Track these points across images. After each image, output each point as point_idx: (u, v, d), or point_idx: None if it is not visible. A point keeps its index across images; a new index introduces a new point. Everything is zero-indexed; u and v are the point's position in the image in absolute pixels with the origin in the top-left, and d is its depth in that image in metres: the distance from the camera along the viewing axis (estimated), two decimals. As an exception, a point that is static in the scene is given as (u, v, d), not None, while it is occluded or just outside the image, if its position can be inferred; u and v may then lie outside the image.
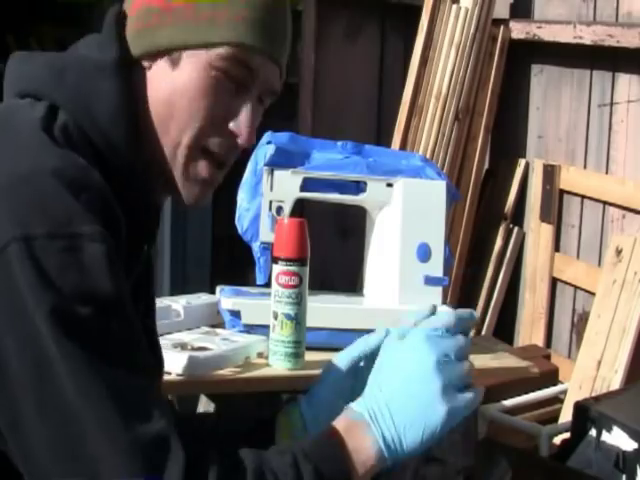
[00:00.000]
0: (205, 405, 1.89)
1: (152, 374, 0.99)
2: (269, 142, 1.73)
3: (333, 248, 3.16)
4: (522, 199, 3.03)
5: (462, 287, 3.01)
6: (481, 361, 1.76)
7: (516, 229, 3.02)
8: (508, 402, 2.37)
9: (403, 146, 2.90)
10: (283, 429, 1.18)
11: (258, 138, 1.76)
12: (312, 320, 1.59)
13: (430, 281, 1.74)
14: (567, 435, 2.11)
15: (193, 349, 1.55)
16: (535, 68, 3.01)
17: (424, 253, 1.75)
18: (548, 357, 2.76)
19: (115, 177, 1.05)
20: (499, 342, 2.78)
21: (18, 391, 0.89)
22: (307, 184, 1.74)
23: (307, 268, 1.55)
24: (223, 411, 1.86)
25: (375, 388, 1.05)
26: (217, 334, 1.66)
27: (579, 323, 2.83)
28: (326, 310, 1.71)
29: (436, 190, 1.77)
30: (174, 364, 1.48)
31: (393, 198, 1.76)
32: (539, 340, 2.89)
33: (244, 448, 0.96)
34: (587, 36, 2.68)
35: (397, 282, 1.74)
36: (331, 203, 1.83)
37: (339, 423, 1.02)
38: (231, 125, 1.11)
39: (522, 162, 3.04)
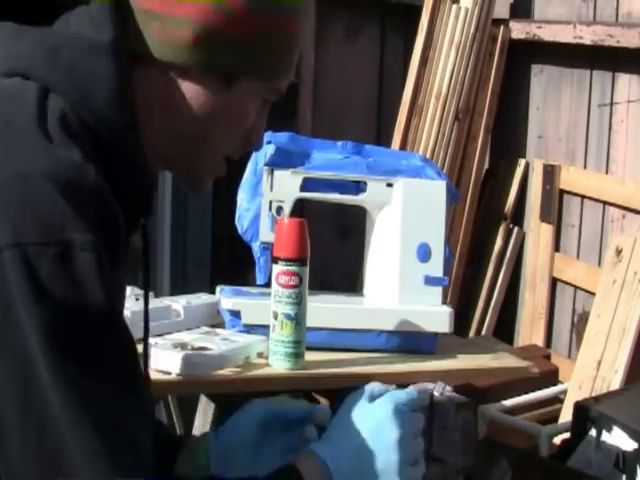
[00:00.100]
0: (205, 405, 1.90)
1: (141, 387, 0.97)
2: (269, 142, 1.73)
3: (333, 248, 3.16)
4: (522, 199, 3.04)
5: (462, 287, 3.01)
6: (481, 361, 1.76)
7: (516, 229, 3.02)
8: (508, 402, 2.37)
9: (403, 146, 2.91)
10: (184, 462, 1.20)
11: (258, 138, 1.77)
12: (312, 320, 1.59)
13: (430, 281, 1.74)
14: (567, 435, 2.11)
15: (193, 349, 1.55)
16: (535, 68, 3.01)
17: (424, 253, 1.75)
18: (548, 357, 2.76)
19: (113, 162, 1.05)
20: (499, 342, 2.78)
21: (1, 399, 0.88)
22: (307, 184, 1.74)
23: (307, 268, 1.55)
24: (223, 411, 1.87)
25: (341, 444, 1.10)
26: (217, 334, 1.66)
27: (579, 323, 2.83)
28: (326, 310, 1.71)
29: (436, 190, 1.77)
30: (174, 364, 1.48)
31: (393, 198, 1.76)
32: (539, 340, 2.89)
33: None
34: (587, 36, 2.68)
35: (397, 282, 1.74)
36: (331, 203, 1.83)
37: (303, 466, 1.06)
38: (248, 133, 1.18)
39: (522, 162, 3.04)
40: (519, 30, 2.96)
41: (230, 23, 1.09)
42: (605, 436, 1.92)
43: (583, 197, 2.82)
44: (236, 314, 1.70)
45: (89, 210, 0.95)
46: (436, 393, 1.59)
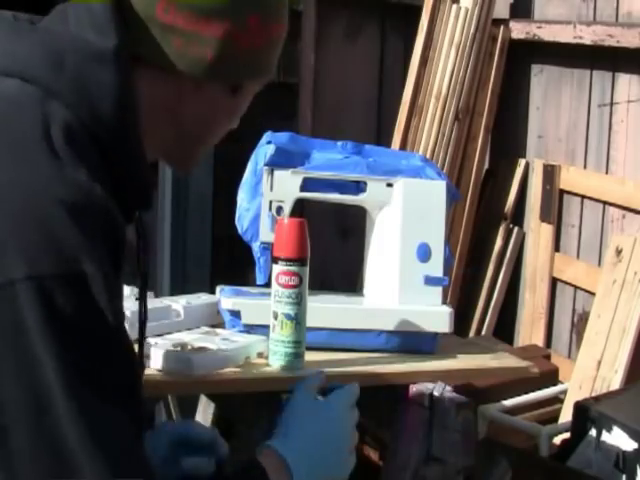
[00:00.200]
0: (205, 405, 1.90)
1: (140, 406, 1.00)
2: (269, 142, 1.73)
3: (333, 248, 3.16)
4: (522, 199, 3.04)
5: (462, 287, 3.01)
6: (481, 361, 1.76)
7: (516, 229, 3.02)
8: (508, 402, 2.37)
9: (403, 146, 2.91)
10: None
11: (258, 138, 1.77)
12: (312, 320, 1.59)
13: (430, 281, 1.74)
14: (567, 435, 2.11)
15: (193, 349, 1.55)
16: (535, 68, 3.01)
17: (424, 253, 1.74)
18: (548, 357, 2.76)
19: (116, 165, 1.07)
20: (499, 342, 2.78)
21: (15, 424, 0.90)
22: (307, 184, 1.74)
23: (307, 268, 1.55)
24: (223, 411, 1.87)
25: (297, 439, 1.19)
26: (217, 334, 1.66)
27: (579, 323, 2.83)
28: (326, 310, 1.70)
29: (436, 190, 1.77)
30: (174, 364, 1.48)
31: (393, 198, 1.76)
32: (539, 340, 2.89)
33: None
34: (587, 36, 2.68)
35: (397, 282, 1.74)
36: (331, 203, 1.83)
37: (266, 461, 1.13)
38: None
39: (522, 162, 3.04)
40: (519, 30, 2.96)
41: (246, 40, 1.15)
42: (605, 436, 1.93)
43: (583, 197, 2.83)
44: (236, 314, 1.70)
45: (99, 237, 0.97)
46: (436, 393, 1.59)
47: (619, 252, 2.55)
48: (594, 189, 2.77)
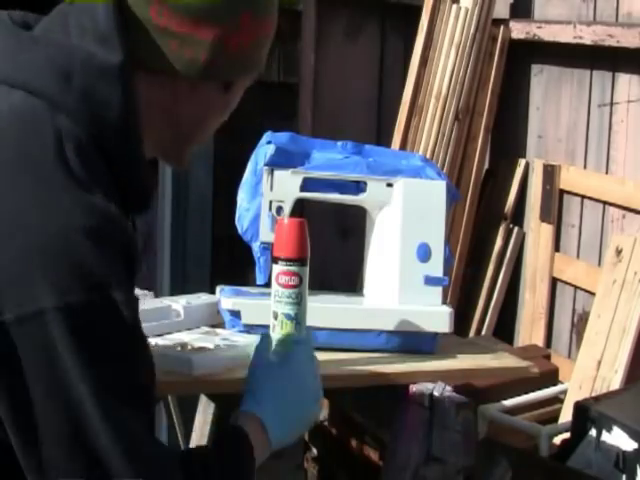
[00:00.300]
0: (205, 405, 1.90)
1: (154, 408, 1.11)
2: (269, 142, 1.72)
3: (333, 248, 3.16)
4: (522, 199, 3.04)
5: (462, 287, 3.01)
6: (481, 361, 1.76)
7: (516, 229, 3.02)
8: (508, 402, 2.37)
9: (403, 146, 2.91)
10: None
11: (258, 138, 1.77)
12: (312, 320, 1.59)
13: (430, 281, 1.74)
14: (567, 435, 2.11)
15: (193, 349, 1.55)
16: (535, 68, 3.01)
17: (424, 253, 1.74)
18: (548, 357, 2.76)
19: (122, 173, 1.11)
20: (499, 342, 2.78)
21: (52, 437, 0.97)
22: (307, 184, 1.74)
23: (307, 268, 1.55)
24: (223, 411, 1.87)
25: (267, 398, 1.26)
26: (217, 334, 1.66)
27: (579, 323, 2.83)
28: (326, 310, 1.70)
29: (436, 190, 1.77)
30: (174, 364, 1.48)
31: (393, 198, 1.76)
32: (539, 340, 2.89)
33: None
34: (587, 36, 2.68)
35: (397, 282, 1.74)
36: (331, 203, 1.83)
37: (245, 423, 1.21)
38: None
39: (522, 162, 3.04)
40: (519, 30, 2.96)
41: (239, 38, 1.17)
42: (605, 436, 1.93)
43: (583, 197, 2.82)
44: (236, 314, 1.70)
45: (119, 258, 1.03)
46: (436, 393, 1.59)
47: (619, 252, 2.55)
48: (594, 189, 2.77)
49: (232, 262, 2.83)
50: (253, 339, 1.62)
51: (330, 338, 1.68)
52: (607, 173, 2.76)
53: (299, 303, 1.54)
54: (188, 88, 1.18)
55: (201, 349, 1.55)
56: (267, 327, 1.57)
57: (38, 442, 0.97)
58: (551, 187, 2.87)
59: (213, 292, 1.85)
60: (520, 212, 3.04)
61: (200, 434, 1.91)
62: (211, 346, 1.56)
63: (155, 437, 1.06)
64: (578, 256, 2.85)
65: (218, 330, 1.69)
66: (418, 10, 2.98)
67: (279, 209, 1.71)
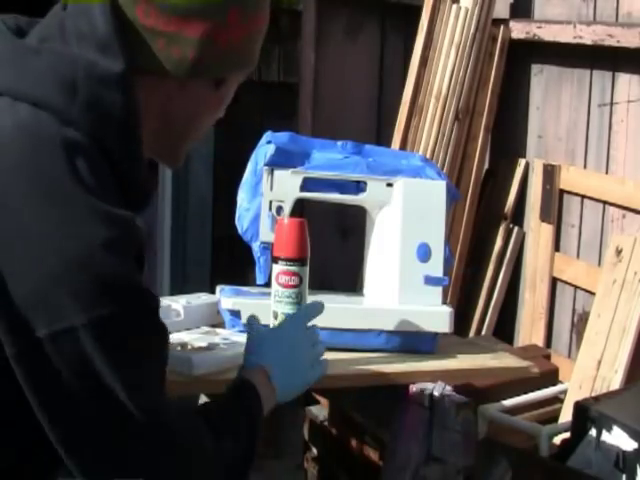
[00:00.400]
0: (205, 405, 1.89)
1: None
2: (269, 142, 1.73)
3: (333, 248, 3.16)
4: (522, 199, 3.03)
5: (462, 287, 3.01)
6: (481, 361, 1.76)
7: (516, 229, 3.02)
8: (508, 402, 2.37)
9: (403, 146, 2.91)
10: None
11: (258, 138, 1.77)
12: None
13: (430, 281, 1.74)
14: (567, 435, 2.11)
15: (193, 349, 1.55)
16: (535, 68, 3.01)
17: (424, 253, 1.74)
18: (548, 357, 2.75)
19: (126, 175, 1.13)
20: (499, 342, 2.78)
21: (96, 429, 1.05)
22: (307, 184, 1.74)
23: (307, 268, 1.55)
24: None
25: (269, 355, 1.36)
26: (217, 334, 1.66)
27: (579, 323, 2.83)
28: (326, 310, 1.70)
29: (436, 190, 1.77)
30: (174, 364, 1.48)
31: (393, 198, 1.76)
32: (539, 340, 2.89)
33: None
34: (587, 36, 2.68)
35: (397, 282, 1.74)
36: (331, 203, 1.83)
37: (252, 376, 1.31)
38: None
39: (522, 162, 3.03)
40: (519, 30, 2.96)
41: (227, 36, 1.17)
42: (605, 436, 1.93)
43: (583, 197, 2.82)
44: (236, 314, 1.70)
45: (134, 260, 1.08)
46: (436, 393, 1.59)
47: (619, 252, 2.55)
48: (594, 189, 2.77)
49: (232, 262, 2.83)
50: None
51: (330, 338, 1.68)
52: (607, 173, 2.76)
53: (299, 303, 1.54)
54: (178, 86, 1.19)
55: (201, 349, 1.55)
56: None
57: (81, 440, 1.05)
58: (551, 187, 2.87)
59: (213, 292, 1.85)
60: (520, 212, 3.04)
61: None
62: (211, 346, 1.56)
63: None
64: (578, 256, 2.85)
65: (218, 330, 1.69)
66: (418, 10, 2.97)
67: (279, 209, 1.71)
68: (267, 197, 1.71)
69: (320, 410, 2.30)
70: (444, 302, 1.78)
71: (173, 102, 1.20)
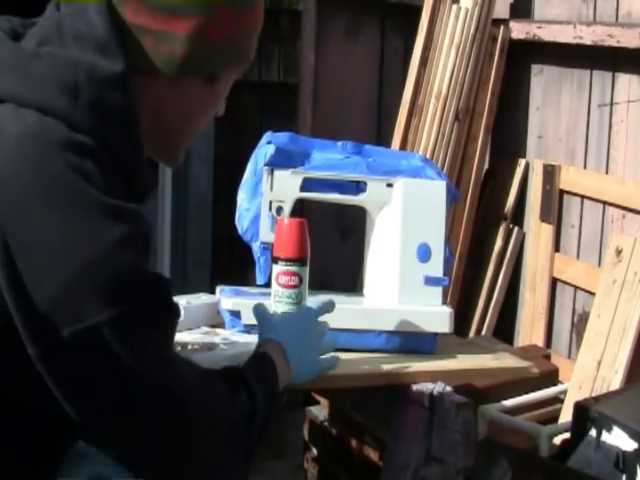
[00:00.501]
0: (205, 405, 1.89)
1: None
2: (269, 142, 1.72)
3: (333, 248, 3.16)
4: (522, 199, 3.04)
5: (462, 287, 3.01)
6: (481, 361, 1.75)
7: (516, 229, 3.02)
8: (508, 402, 2.37)
9: (403, 146, 2.91)
10: None
11: (258, 138, 1.77)
12: (312, 320, 1.59)
13: (430, 281, 1.74)
14: (567, 435, 2.11)
15: (193, 349, 1.55)
16: (535, 68, 3.01)
17: (424, 253, 1.74)
18: (548, 357, 2.76)
19: (129, 174, 1.15)
20: (499, 342, 2.78)
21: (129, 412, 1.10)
22: (307, 184, 1.74)
23: (307, 268, 1.55)
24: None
25: (284, 334, 1.41)
26: (217, 334, 1.66)
27: (579, 323, 2.83)
28: (326, 310, 1.70)
29: (436, 190, 1.77)
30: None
31: (393, 198, 1.76)
32: (539, 340, 2.89)
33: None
34: (587, 36, 2.68)
35: (397, 282, 1.74)
36: (331, 203, 1.83)
37: (269, 348, 1.37)
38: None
39: (522, 162, 3.04)
40: (519, 30, 2.96)
41: (217, 32, 1.17)
42: (605, 436, 1.93)
43: (583, 197, 2.82)
44: (236, 314, 1.70)
45: (146, 253, 1.12)
46: (436, 393, 1.59)
47: (619, 252, 2.55)
48: (594, 189, 2.77)
49: (232, 262, 2.83)
50: (253, 339, 1.62)
51: (330, 338, 1.68)
52: (607, 173, 2.76)
53: (299, 303, 1.54)
54: (169, 85, 1.19)
55: (201, 349, 1.55)
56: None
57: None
58: (551, 187, 2.87)
59: (213, 292, 1.85)
60: (520, 212, 3.04)
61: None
62: (211, 346, 1.56)
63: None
64: (578, 256, 2.85)
65: (218, 330, 1.69)
66: (418, 10, 2.98)
67: (279, 209, 1.71)
68: (267, 197, 1.71)
69: (320, 410, 2.30)
70: (444, 302, 1.78)
71: (165, 101, 1.20)
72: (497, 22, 2.98)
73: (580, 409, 2.01)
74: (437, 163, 2.82)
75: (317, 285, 1.68)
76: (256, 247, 1.72)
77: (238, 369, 1.30)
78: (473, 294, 3.03)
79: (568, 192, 2.86)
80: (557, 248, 2.89)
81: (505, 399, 2.37)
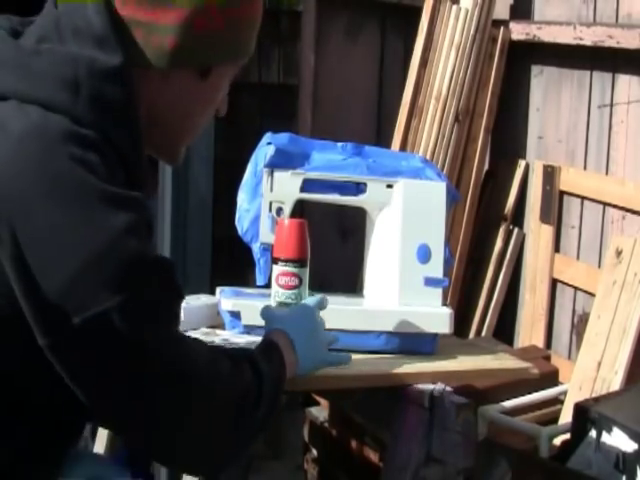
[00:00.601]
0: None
1: None
2: (269, 143, 1.73)
3: (333, 249, 3.16)
4: (522, 200, 3.03)
5: (462, 288, 3.01)
6: (481, 362, 1.76)
7: (516, 230, 3.02)
8: (508, 403, 2.37)
9: (403, 147, 2.90)
10: None
11: (258, 139, 1.77)
12: (312, 321, 1.59)
13: (430, 282, 1.74)
14: (567, 436, 2.11)
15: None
16: (535, 69, 3.01)
17: (424, 254, 1.74)
18: (548, 358, 2.75)
19: (130, 167, 1.15)
20: (499, 343, 2.78)
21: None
22: (307, 185, 1.74)
23: (307, 269, 1.55)
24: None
25: (292, 327, 1.42)
26: (217, 335, 1.66)
27: (579, 324, 2.83)
28: (326, 311, 1.70)
29: (436, 191, 1.77)
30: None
31: (393, 199, 1.76)
32: (539, 341, 2.89)
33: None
34: (587, 37, 2.68)
35: (397, 283, 1.74)
36: (331, 204, 1.83)
37: (277, 338, 1.39)
38: (218, 104, 1.32)
39: (522, 163, 3.03)
40: (519, 31, 2.96)
41: (206, 23, 1.17)
42: (605, 437, 1.93)
43: (583, 198, 2.82)
44: (236, 315, 1.70)
45: (150, 238, 1.14)
46: (436, 394, 1.59)
47: (619, 253, 2.54)
48: (594, 190, 2.77)
49: (232, 263, 2.83)
50: (253, 340, 1.62)
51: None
52: (607, 174, 2.76)
53: (299, 304, 1.54)
54: (161, 78, 1.19)
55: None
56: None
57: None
58: (551, 188, 2.87)
59: (213, 293, 1.85)
60: (520, 213, 3.04)
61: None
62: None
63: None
64: (578, 257, 2.85)
65: (218, 331, 1.70)
66: (418, 11, 2.97)
67: (279, 210, 1.71)
68: (267, 198, 1.71)
69: (320, 411, 2.30)
70: (444, 303, 1.78)
71: (158, 95, 1.20)
72: (497, 23, 2.98)
73: (580, 410, 2.01)
74: (437, 164, 2.82)
75: (317, 286, 1.68)
76: (256, 248, 1.72)
77: (247, 350, 1.32)
78: (473, 295, 3.03)
79: (568, 193, 2.86)
80: (557, 249, 2.89)
81: (505, 400, 2.37)
